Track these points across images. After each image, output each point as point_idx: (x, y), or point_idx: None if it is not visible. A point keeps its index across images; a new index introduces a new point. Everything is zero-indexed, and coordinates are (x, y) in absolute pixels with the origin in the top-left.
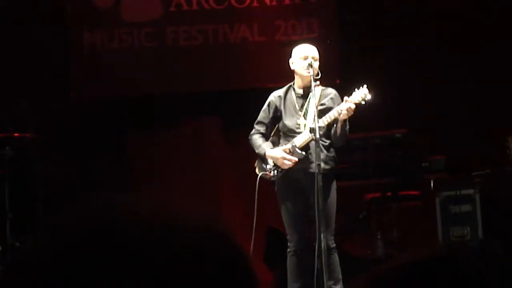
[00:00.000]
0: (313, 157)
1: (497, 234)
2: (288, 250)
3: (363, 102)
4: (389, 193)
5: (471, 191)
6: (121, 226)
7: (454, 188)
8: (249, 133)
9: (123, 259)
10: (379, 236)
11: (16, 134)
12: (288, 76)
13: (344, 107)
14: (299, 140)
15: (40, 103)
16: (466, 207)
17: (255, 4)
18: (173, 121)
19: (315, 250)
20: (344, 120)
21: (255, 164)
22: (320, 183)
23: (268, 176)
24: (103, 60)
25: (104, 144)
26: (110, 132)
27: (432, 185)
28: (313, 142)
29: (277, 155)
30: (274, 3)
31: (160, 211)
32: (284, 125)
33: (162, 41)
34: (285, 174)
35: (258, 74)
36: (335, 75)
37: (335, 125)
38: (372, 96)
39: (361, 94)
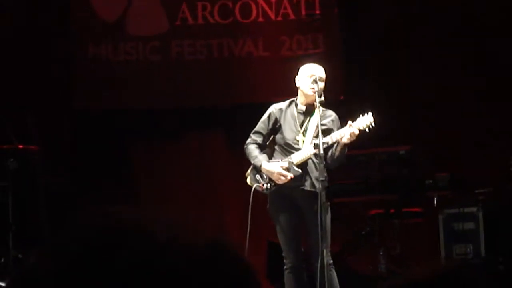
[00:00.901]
0: (312, 174)
1: (500, 253)
2: (285, 267)
3: (367, 130)
4: (392, 210)
5: (474, 209)
6: (126, 240)
7: (457, 205)
8: None
9: (127, 273)
10: (381, 252)
11: (20, 146)
12: (293, 91)
13: (347, 132)
14: (297, 157)
15: (44, 115)
16: (469, 225)
17: (260, 19)
18: (176, 135)
19: (311, 265)
20: (345, 144)
21: (247, 174)
22: (324, 200)
23: (261, 189)
24: (107, 73)
25: (107, 156)
26: (114, 145)
27: (435, 202)
28: (309, 160)
29: (273, 169)
30: (279, 18)
31: (167, 226)
32: (283, 138)
33: (167, 55)
34: (278, 189)
35: (263, 89)
36: (339, 91)
37: (333, 148)
38: (377, 115)
39: (367, 121)
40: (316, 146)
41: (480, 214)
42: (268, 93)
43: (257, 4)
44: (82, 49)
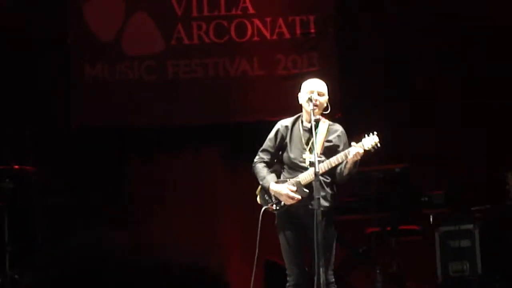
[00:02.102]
0: (314, 192)
1: (496, 270)
2: (288, 284)
3: (372, 150)
4: (388, 228)
5: (470, 226)
6: (113, 262)
7: (453, 223)
8: (249, 165)
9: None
10: (378, 270)
11: (16, 167)
12: (288, 109)
13: (353, 152)
14: (304, 178)
15: (42, 134)
16: (465, 242)
17: (255, 38)
18: (173, 152)
19: (313, 285)
20: (354, 162)
21: (257, 192)
22: (320, 218)
23: (270, 209)
24: (104, 92)
25: (104, 174)
26: (111, 162)
27: (431, 219)
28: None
29: (281, 191)
30: (274, 37)
31: (154, 248)
32: (289, 157)
33: (162, 74)
34: (287, 209)
35: (258, 108)
36: (337, 108)
37: (343, 165)
38: (380, 144)
39: (371, 142)
40: (311, 164)
41: (477, 232)
42: (263, 112)
43: (252, 23)
44: (79, 68)
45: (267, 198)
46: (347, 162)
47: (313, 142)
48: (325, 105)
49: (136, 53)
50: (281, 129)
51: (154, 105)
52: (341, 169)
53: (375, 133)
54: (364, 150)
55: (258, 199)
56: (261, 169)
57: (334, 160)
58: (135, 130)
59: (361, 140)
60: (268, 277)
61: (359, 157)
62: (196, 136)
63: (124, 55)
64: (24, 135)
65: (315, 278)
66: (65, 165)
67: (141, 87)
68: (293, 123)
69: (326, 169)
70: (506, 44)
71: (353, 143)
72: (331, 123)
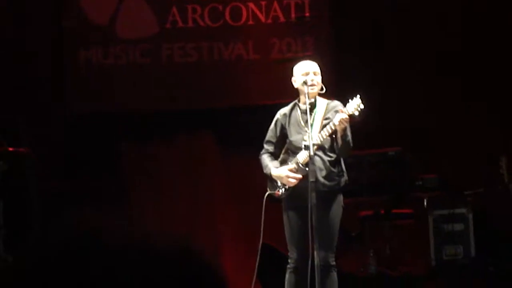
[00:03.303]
0: (320, 173)
1: (490, 253)
2: (288, 266)
3: (356, 113)
4: (382, 211)
5: (464, 210)
6: (93, 243)
7: (447, 206)
8: (242, 149)
9: (99, 275)
10: (371, 254)
11: (10, 149)
12: (282, 93)
13: (338, 118)
14: (301, 157)
15: (35, 118)
16: (459, 226)
17: (250, 22)
18: (166, 136)
19: (314, 267)
20: (343, 130)
21: (267, 183)
22: (314, 201)
23: (276, 195)
24: (98, 76)
25: (98, 159)
26: (104, 147)
27: (425, 203)
28: (316, 158)
29: (281, 174)
30: (269, 21)
31: (135, 231)
32: (290, 142)
33: (157, 58)
34: (292, 191)
35: (253, 91)
36: (331, 92)
37: (335, 137)
38: (364, 107)
39: (354, 105)
40: (306, 147)
41: (470, 215)
42: (258, 96)
43: (247, 7)
44: (73, 52)
45: (273, 185)
46: (337, 131)
47: (312, 123)
48: (321, 85)
49: (130, 36)
50: (280, 118)
51: (148, 89)
52: (336, 141)
53: (357, 96)
54: (348, 114)
55: (268, 189)
56: (264, 159)
57: (324, 133)
58: (129, 114)
59: (345, 106)
60: (264, 261)
61: (345, 124)
62: (190, 120)
63: (118, 38)
64: (17, 121)
65: (310, 260)
66: (58, 149)
67: (135, 71)
68: (291, 109)
69: (320, 143)
70: None
71: (337, 110)
72: (329, 101)
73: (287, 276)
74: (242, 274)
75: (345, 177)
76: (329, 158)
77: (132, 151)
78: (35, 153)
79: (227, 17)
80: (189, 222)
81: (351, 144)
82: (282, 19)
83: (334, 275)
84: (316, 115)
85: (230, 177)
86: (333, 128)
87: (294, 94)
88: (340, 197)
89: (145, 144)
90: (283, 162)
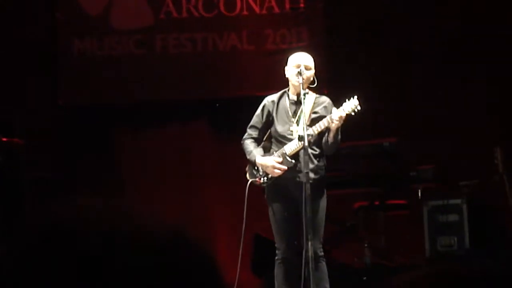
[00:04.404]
0: (301, 166)
1: (484, 244)
2: (276, 258)
3: (353, 113)
4: (377, 202)
5: (458, 201)
6: (83, 230)
7: (441, 197)
8: (237, 140)
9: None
10: (366, 245)
11: (4, 139)
12: (277, 84)
13: (335, 116)
14: (289, 148)
15: (29, 109)
16: (453, 217)
17: (244, 12)
18: (160, 127)
19: (302, 258)
20: (336, 129)
21: (246, 169)
22: (308, 192)
23: (258, 183)
24: (92, 67)
25: (92, 149)
26: (99, 138)
27: (419, 194)
28: (302, 151)
29: (267, 163)
30: (263, 11)
31: (129, 217)
32: (276, 130)
33: (151, 49)
34: (274, 182)
35: (247, 82)
36: (324, 84)
37: (326, 134)
38: (362, 107)
39: (351, 105)
40: (301, 138)
41: (465, 206)
42: (252, 87)
43: None
44: (67, 43)
45: (254, 172)
46: (330, 130)
47: (300, 114)
48: (312, 79)
49: (125, 27)
50: (268, 104)
51: (143, 80)
52: (326, 138)
53: (355, 96)
54: (346, 114)
55: (247, 175)
56: (248, 145)
57: (317, 127)
58: (123, 105)
59: (341, 105)
60: (257, 252)
61: (341, 122)
62: (184, 110)
63: (112, 29)
64: (11, 111)
65: (303, 252)
66: (52, 140)
67: (130, 62)
68: (280, 97)
69: (314, 135)
70: None
71: (333, 109)
72: (317, 95)
73: (276, 267)
74: (235, 262)
75: (326, 171)
76: (314, 152)
77: (126, 142)
78: (28, 144)
79: (222, 7)
80: (182, 211)
81: (339, 143)
82: (276, 9)
83: (324, 265)
84: (304, 107)
85: (223, 165)
86: (327, 124)
87: (287, 84)
88: (324, 190)
89: (139, 135)
90: (264, 150)
